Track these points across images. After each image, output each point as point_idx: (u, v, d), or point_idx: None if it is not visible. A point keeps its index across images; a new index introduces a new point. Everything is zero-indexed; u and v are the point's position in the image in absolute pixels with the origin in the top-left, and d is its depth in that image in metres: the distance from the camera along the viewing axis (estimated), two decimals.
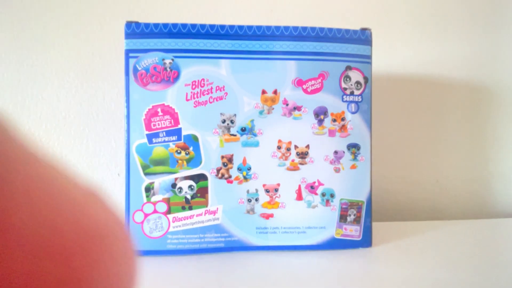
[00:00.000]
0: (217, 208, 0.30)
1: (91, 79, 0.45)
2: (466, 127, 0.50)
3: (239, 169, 0.30)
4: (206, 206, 0.30)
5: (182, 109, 0.30)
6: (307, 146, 0.31)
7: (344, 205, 0.32)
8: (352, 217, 0.32)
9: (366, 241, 0.32)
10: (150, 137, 0.30)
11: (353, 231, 0.32)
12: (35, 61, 0.44)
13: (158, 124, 0.30)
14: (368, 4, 0.48)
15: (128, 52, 0.29)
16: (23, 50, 0.44)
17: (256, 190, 0.31)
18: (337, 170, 0.31)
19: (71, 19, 0.44)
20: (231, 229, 0.31)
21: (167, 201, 0.30)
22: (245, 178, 0.30)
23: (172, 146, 0.30)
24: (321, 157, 0.31)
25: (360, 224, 0.32)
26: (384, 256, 0.31)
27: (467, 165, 0.50)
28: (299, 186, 0.31)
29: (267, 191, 0.31)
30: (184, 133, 0.30)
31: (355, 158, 0.32)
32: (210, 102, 0.30)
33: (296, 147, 0.31)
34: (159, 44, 0.30)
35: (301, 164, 0.31)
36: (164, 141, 0.30)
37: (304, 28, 0.31)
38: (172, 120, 0.30)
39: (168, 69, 0.30)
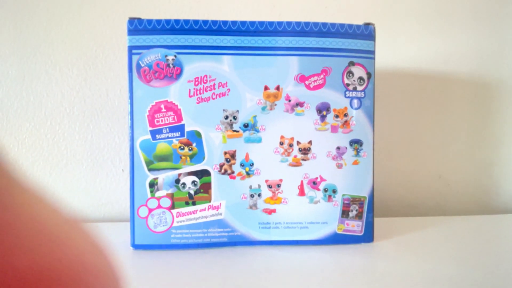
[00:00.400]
0: (220, 204, 0.31)
1: (95, 76, 0.45)
2: (470, 123, 0.49)
3: (241, 164, 0.31)
4: (209, 202, 0.31)
5: (185, 105, 0.30)
6: (310, 142, 0.31)
7: (346, 200, 0.32)
8: (354, 212, 0.32)
9: (368, 236, 0.32)
10: (153, 133, 0.30)
11: (355, 227, 0.32)
12: (38, 58, 0.45)
13: (162, 121, 0.30)
14: None
15: (131, 48, 0.30)
16: (26, 47, 0.44)
17: (259, 186, 0.31)
18: (339, 166, 0.32)
19: (74, 16, 0.45)
20: (234, 224, 0.31)
21: (171, 196, 0.30)
22: (248, 174, 0.31)
23: (175, 142, 0.30)
24: (324, 153, 0.31)
25: (362, 220, 0.32)
26: (386, 251, 0.31)
27: (471, 161, 0.49)
28: (302, 181, 0.31)
29: (269, 186, 0.31)
30: (187, 129, 0.30)
31: (357, 154, 0.32)
32: (213, 98, 0.30)
33: (298, 143, 0.31)
34: (161, 40, 0.30)
35: (303, 160, 0.31)
36: (168, 137, 0.30)
37: (307, 24, 0.31)
38: (175, 116, 0.30)
39: (171, 66, 0.30)
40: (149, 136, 0.30)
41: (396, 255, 0.30)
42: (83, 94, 0.45)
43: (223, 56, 0.30)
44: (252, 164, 0.31)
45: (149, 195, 0.30)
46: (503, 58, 0.49)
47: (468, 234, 0.35)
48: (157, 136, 0.30)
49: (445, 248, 0.31)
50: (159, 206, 0.30)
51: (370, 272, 0.27)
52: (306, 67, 0.31)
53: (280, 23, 0.30)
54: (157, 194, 0.30)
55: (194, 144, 0.30)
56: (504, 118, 0.50)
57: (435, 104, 0.49)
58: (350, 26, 0.31)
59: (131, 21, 0.30)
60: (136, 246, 0.30)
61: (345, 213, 0.32)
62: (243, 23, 0.30)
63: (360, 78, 0.32)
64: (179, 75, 0.30)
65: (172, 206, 0.30)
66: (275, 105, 0.31)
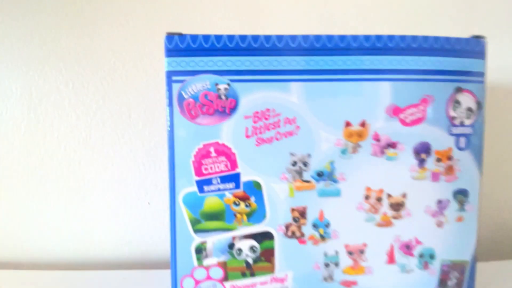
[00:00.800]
0: (286, 275, 0.24)
1: (114, 94, 0.38)
2: None
3: (314, 225, 0.24)
4: (273, 273, 0.24)
5: (241, 149, 0.23)
6: (404, 195, 0.24)
7: (445, 267, 0.25)
8: (454, 281, 0.25)
9: None
10: (200, 185, 0.23)
11: None
12: (47, 72, 0.38)
13: (211, 168, 0.23)
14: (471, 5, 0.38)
15: (170, 74, 0.22)
16: (33, 59, 0.38)
17: (336, 253, 0.24)
18: (439, 225, 0.24)
19: (87, 21, 0.37)
20: None
21: (223, 265, 0.24)
22: (322, 237, 0.24)
23: (228, 196, 0.23)
24: (421, 208, 0.24)
25: None
26: None
27: None
28: (392, 246, 0.24)
29: (350, 253, 0.24)
30: (243, 179, 0.23)
31: (462, 208, 0.24)
32: (277, 139, 0.23)
33: (389, 196, 0.24)
34: (210, 64, 0.22)
35: (394, 218, 0.24)
36: (219, 190, 0.23)
37: (403, 38, 0.23)
38: (228, 163, 0.23)
39: (223, 97, 0.22)
40: (195, 188, 0.23)
41: None
42: (101, 115, 0.38)
43: (290, 83, 0.23)
44: (328, 225, 0.24)
45: (195, 263, 0.23)
46: None
47: None
48: (205, 188, 0.23)
49: None
50: (208, 278, 0.24)
51: None
52: (401, 96, 0.23)
53: (367, 38, 0.23)
54: (206, 262, 0.23)
55: (252, 199, 0.23)
56: None
57: None
58: (458, 40, 0.23)
59: (170, 37, 0.22)
60: None
61: (442, 283, 0.25)
62: (317, 38, 0.23)
63: (469, 109, 0.24)
64: (233, 109, 0.23)
65: (225, 278, 0.24)
66: (360, 146, 0.23)
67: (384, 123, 0.23)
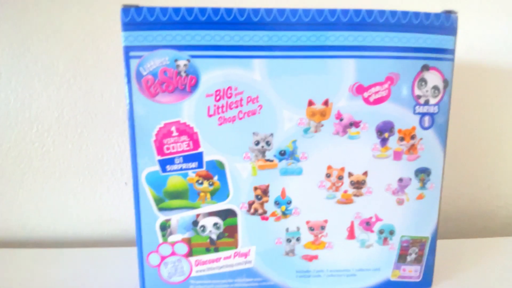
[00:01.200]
0: (249, 250, 0.25)
1: (85, 73, 0.37)
2: None
3: (276, 203, 0.24)
4: (236, 248, 0.24)
5: (204, 128, 0.23)
6: (365, 173, 0.24)
7: (405, 243, 0.26)
8: (413, 256, 0.26)
9: (426, 282, 0.27)
10: (163, 164, 0.23)
11: (412, 272, 0.26)
12: (16, 51, 0.36)
13: (173, 147, 0.23)
14: None
15: (127, 50, 0.22)
16: (1, 38, 0.36)
17: (298, 228, 0.25)
18: (400, 202, 0.25)
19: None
20: (267, 273, 0.25)
21: (187, 241, 0.24)
22: (284, 214, 0.24)
23: (191, 175, 0.23)
24: (382, 186, 0.24)
25: (422, 264, 0.26)
26: None
27: None
28: (352, 222, 0.25)
29: (311, 229, 0.25)
30: (206, 158, 0.23)
31: (423, 186, 0.25)
32: (240, 118, 0.23)
33: (350, 174, 0.24)
34: (169, 38, 0.21)
35: (355, 195, 0.24)
36: (182, 169, 0.23)
37: (370, 12, 0.22)
38: (190, 142, 0.23)
39: (183, 74, 0.22)
40: (157, 168, 0.23)
41: None
42: (73, 94, 0.37)
43: (253, 59, 0.22)
44: (289, 202, 0.24)
45: (160, 240, 0.24)
46: None
47: None
48: (168, 168, 0.23)
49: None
50: (173, 253, 0.24)
51: None
52: (365, 73, 0.23)
53: (332, 12, 0.22)
54: (171, 238, 0.24)
55: (215, 178, 0.23)
56: None
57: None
58: (427, 15, 0.23)
59: (126, 10, 0.21)
60: None
61: (402, 258, 0.26)
62: (281, 12, 0.22)
63: (435, 88, 0.24)
64: (194, 86, 0.22)
65: (190, 253, 0.24)
66: (322, 125, 0.23)
67: (347, 101, 0.23)
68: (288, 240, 0.25)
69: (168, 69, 0.22)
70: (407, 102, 0.23)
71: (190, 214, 0.24)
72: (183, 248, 0.24)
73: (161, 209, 0.24)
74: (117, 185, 0.39)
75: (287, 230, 0.24)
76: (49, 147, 0.38)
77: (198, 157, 0.23)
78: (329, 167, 0.24)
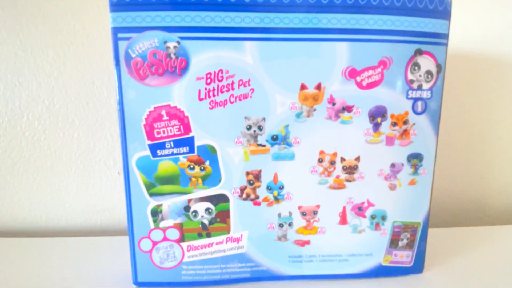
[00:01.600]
0: (241, 235, 0.25)
1: (75, 60, 0.36)
2: None
3: (268, 188, 0.24)
4: (228, 233, 0.24)
5: (194, 112, 0.22)
6: (357, 159, 0.24)
7: (397, 228, 0.26)
8: (405, 241, 0.26)
9: (418, 267, 0.27)
10: (153, 149, 0.23)
11: (404, 257, 0.27)
12: (4, 38, 0.35)
13: (163, 132, 0.22)
14: None
15: (116, 31, 0.21)
16: None
17: (290, 214, 0.25)
18: (392, 188, 0.25)
19: None
20: (259, 258, 0.25)
21: (179, 227, 0.24)
22: (276, 199, 0.24)
23: (182, 160, 0.23)
24: (374, 171, 0.24)
25: (413, 249, 0.26)
26: (438, 284, 0.26)
27: None
28: (344, 207, 0.25)
29: (303, 214, 0.25)
30: (197, 143, 0.23)
31: (415, 172, 0.25)
32: (231, 102, 0.22)
33: (343, 159, 0.24)
34: (158, 19, 0.21)
35: (348, 181, 0.24)
36: (172, 154, 0.23)
37: None
38: (181, 126, 0.22)
39: (173, 56, 0.21)
40: (148, 152, 0.23)
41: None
42: (63, 82, 0.37)
43: (244, 42, 0.22)
44: (281, 187, 0.24)
45: (152, 225, 0.24)
46: None
47: None
48: (159, 152, 0.23)
49: (503, 272, 0.26)
50: (165, 239, 0.24)
51: None
52: (358, 57, 0.22)
53: None
54: (162, 224, 0.24)
55: (207, 163, 0.23)
56: None
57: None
58: None
59: None
60: (139, 284, 0.25)
61: (394, 243, 0.26)
62: None
63: (428, 73, 0.24)
64: (184, 69, 0.22)
65: (182, 239, 0.24)
66: (314, 110, 0.23)
67: (340, 86, 0.23)
68: (281, 225, 0.25)
69: (157, 51, 0.21)
70: (400, 86, 0.23)
71: (181, 199, 0.24)
72: (175, 234, 0.24)
73: (152, 194, 0.23)
74: (110, 175, 0.39)
75: (279, 215, 0.24)
76: (40, 136, 0.38)
77: (189, 142, 0.23)
78: (322, 152, 0.24)
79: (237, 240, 0.25)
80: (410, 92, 0.24)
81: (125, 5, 0.21)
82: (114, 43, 0.21)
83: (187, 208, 0.24)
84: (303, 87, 0.23)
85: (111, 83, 0.37)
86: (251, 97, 0.22)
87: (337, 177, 0.24)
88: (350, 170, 0.24)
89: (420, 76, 0.23)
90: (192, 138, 0.23)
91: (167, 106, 0.22)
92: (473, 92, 0.40)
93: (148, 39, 0.21)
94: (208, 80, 0.22)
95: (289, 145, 0.23)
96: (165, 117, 0.22)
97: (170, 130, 0.22)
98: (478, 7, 0.38)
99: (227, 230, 0.24)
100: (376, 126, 0.24)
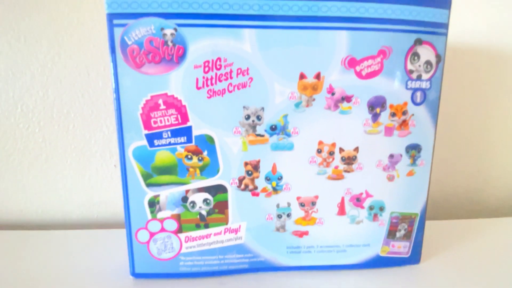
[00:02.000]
0: (240, 226, 0.24)
1: (70, 49, 0.35)
2: None
3: (267, 178, 0.24)
4: (226, 224, 0.24)
5: (192, 101, 0.22)
6: (356, 149, 0.24)
7: (394, 219, 0.26)
8: (402, 232, 0.26)
9: (415, 257, 0.27)
10: (150, 138, 0.22)
11: (401, 248, 0.27)
12: None
13: (161, 121, 0.22)
14: None
15: (111, 17, 0.21)
16: None
17: (288, 204, 0.24)
18: (390, 178, 0.25)
19: None
20: (257, 249, 0.25)
21: (177, 217, 0.24)
22: (275, 190, 0.24)
23: (180, 150, 0.23)
24: (373, 162, 0.24)
25: (410, 240, 0.27)
26: (434, 275, 0.26)
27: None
28: (342, 198, 0.25)
29: (302, 205, 0.24)
30: (195, 133, 0.22)
31: (413, 163, 0.25)
32: (230, 91, 0.22)
33: (341, 150, 0.24)
34: (154, 5, 0.20)
35: (346, 171, 0.24)
36: (170, 144, 0.23)
37: None
38: (178, 116, 0.22)
39: (170, 44, 0.21)
40: (144, 142, 0.22)
41: (445, 279, 0.25)
42: (58, 73, 0.36)
43: (243, 29, 0.21)
44: (280, 178, 0.24)
45: (149, 216, 0.24)
46: None
47: None
48: (156, 142, 0.22)
49: (499, 265, 0.26)
50: (162, 230, 0.24)
51: None
52: (358, 46, 0.22)
53: None
54: (160, 215, 0.24)
55: (205, 153, 0.23)
56: None
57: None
58: None
59: None
60: (137, 275, 0.25)
61: (391, 234, 0.26)
62: None
63: (427, 63, 0.23)
64: (181, 57, 0.21)
65: (180, 230, 0.24)
66: (313, 99, 0.23)
67: (340, 75, 0.23)
68: (279, 216, 0.24)
69: (154, 39, 0.21)
70: (399, 77, 0.23)
71: (179, 190, 0.23)
72: (172, 225, 0.24)
73: (149, 185, 0.23)
74: (106, 167, 0.38)
75: (277, 206, 0.24)
76: (34, 128, 0.37)
77: (186, 132, 0.22)
78: (320, 143, 0.23)
79: (235, 231, 0.24)
80: (409, 82, 0.23)
81: None
82: (110, 30, 0.21)
83: (184, 199, 0.24)
84: (302, 76, 0.22)
85: (107, 73, 0.36)
86: (249, 86, 0.22)
87: (336, 167, 0.24)
88: (349, 160, 0.24)
89: (419, 66, 0.23)
90: (189, 127, 0.22)
91: (164, 95, 0.22)
92: (470, 87, 0.40)
93: (145, 25, 0.21)
94: (206, 69, 0.22)
95: (288, 135, 0.23)
96: (162, 106, 0.22)
97: (167, 119, 0.22)
98: (477, 0, 0.38)
99: (225, 221, 0.24)
100: (375, 117, 0.24)
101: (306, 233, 0.25)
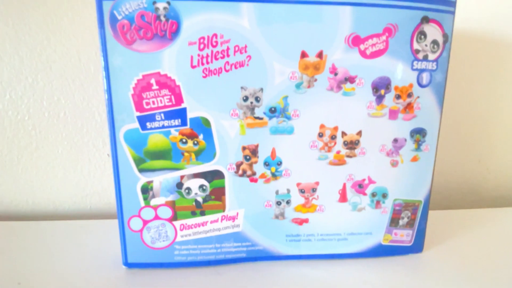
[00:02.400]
0: (237, 213, 0.23)
1: (60, 33, 0.34)
2: None
3: (266, 163, 0.23)
4: (223, 211, 0.23)
5: (186, 81, 0.21)
6: (359, 133, 0.23)
7: (397, 206, 0.25)
8: (406, 220, 0.26)
9: (417, 246, 0.26)
10: (142, 121, 0.21)
11: (404, 236, 0.26)
12: None
13: (153, 102, 0.21)
14: None
15: None
16: None
17: (288, 191, 0.23)
18: (394, 164, 0.24)
19: None
20: (255, 237, 0.24)
21: (171, 204, 0.23)
22: (274, 176, 0.23)
23: (174, 133, 0.21)
24: (376, 147, 0.23)
25: (414, 228, 0.26)
26: (437, 264, 0.25)
27: None
28: (344, 184, 0.24)
29: (302, 191, 0.24)
30: (190, 115, 0.21)
31: (418, 148, 0.24)
32: (227, 71, 0.21)
33: (344, 134, 0.23)
34: None
35: (348, 156, 0.23)
36: (163, 126, 0.21)
37: None
38: (172, 97, 0.21)
39: (163, 19, 0.20)
40: (136, 125, 0.21)
41: (447, 267, 0.24)
42: (47, 58, 0.34)
43: (241, 3, 0.20)
44: (280, 163, 0.23)
45: (142, 203, 0.22)
46: None
47: None
48: (148, 125, 0.21)
49: (500, 254, 0.26)
50: (156, 217, 0.23)
51: None
52: (362, 23, 0.21)
53: None
54: (153, 202, 0.23)
55: (200, 136, 0.22)
56: None
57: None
58: None
59: None
60: (129, 265, 0.24)
61: (394, 221, 0.25)
62: None
63: (434, 42, 0.22)
64: (175, 33, 0.20)
65: (174, 217, 0.23)
66: (315, 80, 0.22)
67: (343, 54, 0.21)
68: (278, 203, 0.24)
69: (146, 13, 0.20)
70: (405, 56, 0.22)
71: (173, 175, 0.22)
72: (167, 212, 0.23)
73: (142, 170, 0.22)
74: (99, 157, 0.37)
75: (277, 192, 0.23)
76: (23, 116, 0.36)
77: (181, 114, 0.21)
78: (322, 126, 0.22)
79: (233, 218, 0.23)
80: (415, 62, 0.22)
81: None
82: (98, 4, 0.19)
83: (179, 185, 0.22)
84: (303, 54, 0.21)
85: (99, 59, 0.35)
86: (247, 65, 0.21)
87: (338, 152, 0.23)
88: (351, 145, 0.23)
89: (426, 45, 0.22)
90: (184, 109, 0.21)
91: (157, 74, 0.20)
92: (471, 76, 0.40)
93: None
94: (201, 46, 0.20)
95: (288, 118, 0.22)
96: (155, 86, 0.21)
97: (160, 100, 0.21)
98: None
99: (222, 208, 0.23)
100: (380, 99, 0.22)
101: (306, 220, 0.24)
